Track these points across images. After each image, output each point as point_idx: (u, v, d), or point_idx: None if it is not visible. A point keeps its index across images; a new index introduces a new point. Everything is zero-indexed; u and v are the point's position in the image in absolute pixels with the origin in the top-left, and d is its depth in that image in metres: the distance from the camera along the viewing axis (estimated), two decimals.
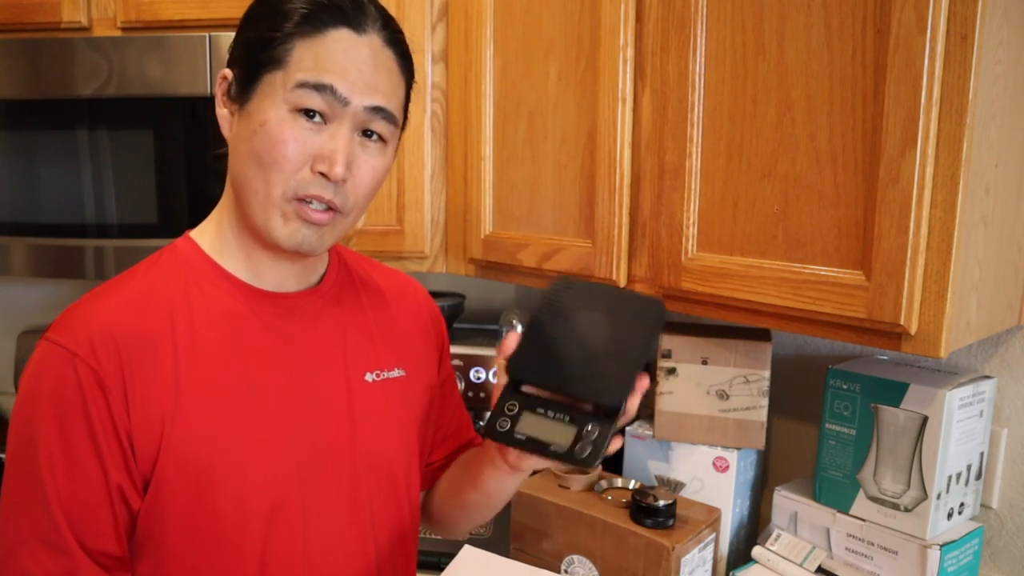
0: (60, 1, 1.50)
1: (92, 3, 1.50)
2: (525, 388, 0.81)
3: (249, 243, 0.85)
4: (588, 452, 0.76)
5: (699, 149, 1.02)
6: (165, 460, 0.78)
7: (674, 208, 1.05)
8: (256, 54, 0.80)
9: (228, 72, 0.84)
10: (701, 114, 1.01)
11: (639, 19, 1.09)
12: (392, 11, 1.36)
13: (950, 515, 1.06)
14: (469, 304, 1.73)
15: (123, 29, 1.49)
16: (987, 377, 1.07)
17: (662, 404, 1.25)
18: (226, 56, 0.86)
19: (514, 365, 0.80)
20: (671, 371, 1.24)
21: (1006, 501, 1.13)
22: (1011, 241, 0.95)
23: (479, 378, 1.47)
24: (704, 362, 1.23)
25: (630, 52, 1.10)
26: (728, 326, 1.26)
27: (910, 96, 0.81)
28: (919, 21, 0.80)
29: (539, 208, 1.25)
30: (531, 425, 0.79)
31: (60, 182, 1.50)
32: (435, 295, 1.61)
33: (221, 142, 0.86)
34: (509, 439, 0.79)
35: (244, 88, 0.81)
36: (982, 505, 1.13)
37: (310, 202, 0.80)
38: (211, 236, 0.87)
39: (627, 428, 1.33)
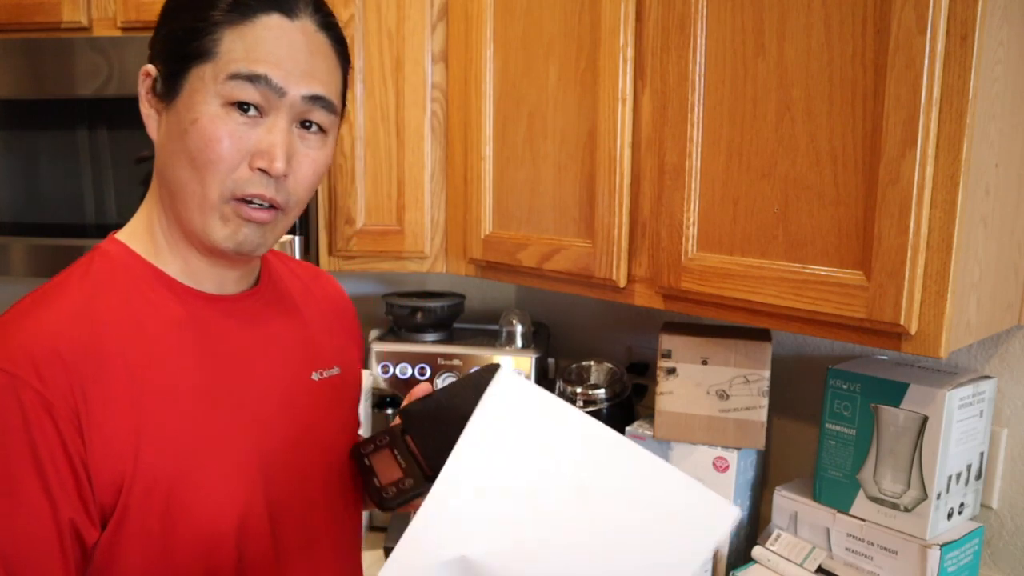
0: (60, 1, 1.50)
1: (92, 3, 1.50)
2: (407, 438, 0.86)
3: (184, 247, 0.81)
4: (392, 496, 0.84)
5: (699, 149, 1.02)
6: (131, 487, 0.72)
7: (674, 208, 1.05)
8: (182, 47, 0.75)
9: (151, 68, 0.78)
10: (701, 114, 1.01)
11: (639, 19, 1.09)
12: (392, 11, 1.37)
13: (950, 515, 1.06)
14: (469, 304, 1.73)
15: (123, 29, 1.49)
16: (987, 377, 1.07)
17: (662, 404, 1.25)
18: None
19: (405, 415, 0.86)
20: (671, 371, 1.24)
21: (1006, 501, 1.13)
22: (1011, 241, 0.95)
23: None
24: (704, 362, 1.23)
25: (630, 52, 1.10)
26: (728, 326, 1.26)
27: (910, 96, 0.81)
28: (919, 21, 0.80)
29: (539, 208, 1.25)
30: (382, 459, 0.87)
31: (60, 182, 1.50)
32: (435, 295, 1.62)
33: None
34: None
35: (171, 85, 0.76)
36: (982, 505, 1.13)
37: (251, 201, 0.76)
38: (144, 241, 0.81)
39: (627, 428, 1.33)
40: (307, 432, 0.86)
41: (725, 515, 0.69)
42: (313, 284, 0.98)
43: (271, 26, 0.75)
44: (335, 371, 0.93)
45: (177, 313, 0.79)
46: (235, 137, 0.74)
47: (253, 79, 0.73)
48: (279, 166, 0.75)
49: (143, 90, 0.79)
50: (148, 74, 0.78)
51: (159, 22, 0.79)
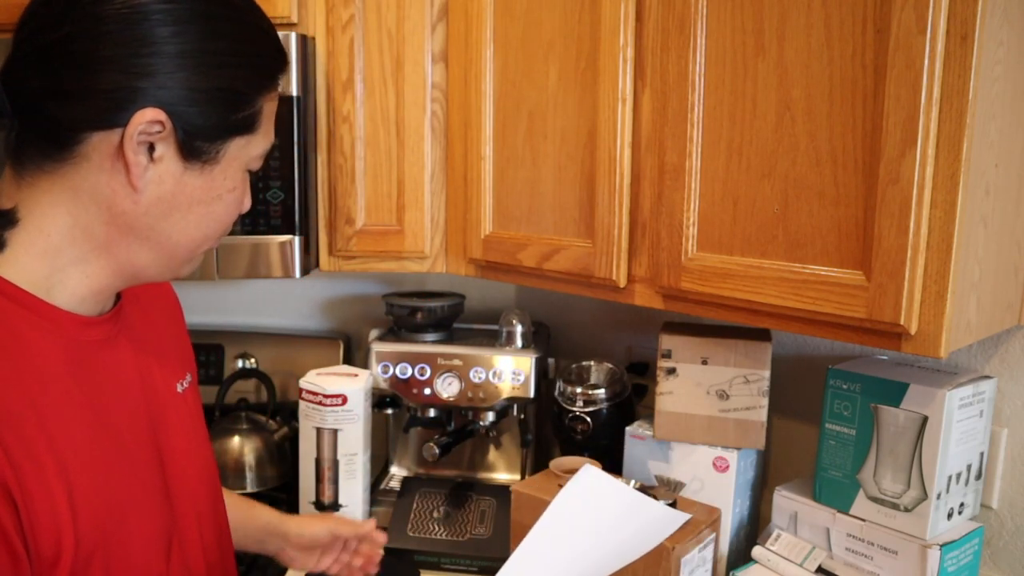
0: None
1: None
2: None
3: (107, 283, 0.75)
4: None
5: (699, 149, 1.02)
6: (76, 553, 0.66)
7: (674, 208, 1.05)
8: (224, 114, 0.72)
9: (163, 117, 0.68)
10: (701, 114, 1.01)
11: (639, 19, 1.09)
12: (392, 11, 1.38)
13: (950, 515, 1.06)
14: (469, 304, 1.73)
15: None
16: (987, 377, 1.07)
17: (662, 404, 1.25)
18: None
19: None
20: (671, 371, 1.24)
21: (1006, 501, 1.13)
22: (1011, 241, 0.95)
23: (479, 378, 1.47)
24: (704, 362, 1.23)
25: (630, 52, 1.10)
26: (728, 326, 1.26)
27: (910, 96, 0.81)
28: (919, 21, 0.80)
29: (539, 208, 1.25)
30: None
31: None
32: (435, 295, 1.62)
33: None
34: None
35: (206, 148, 0.72)
36: (982, 505, 1.13)
37: None
38: (29, 268, 0.71)
39: (627, 428, 1.33)
40: (186, 449, 0.85)
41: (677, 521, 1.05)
42: (149, 289, 0.91)
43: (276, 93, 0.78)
44: (189, 379, 0.90)
45: (59, 346, 0.71)
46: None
47: (270, 151, 0.79)
48: (247, 208, 0.80)
49: (145, 137, 0.69)
50: (161, 123, 0.68)
51: (167, 65, 0.68)
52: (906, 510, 1.04)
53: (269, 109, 0.77)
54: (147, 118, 0.67)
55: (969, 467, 1.07)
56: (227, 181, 0.75)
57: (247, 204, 0.80)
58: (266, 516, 1.10)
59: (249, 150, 0.76)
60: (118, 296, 0.81)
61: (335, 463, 1.39)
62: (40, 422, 0.66)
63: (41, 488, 0.64)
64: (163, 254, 0.75)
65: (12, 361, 0.67)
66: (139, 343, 0.83)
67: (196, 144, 0.71)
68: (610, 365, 1.47)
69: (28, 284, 0.70)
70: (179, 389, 0.87)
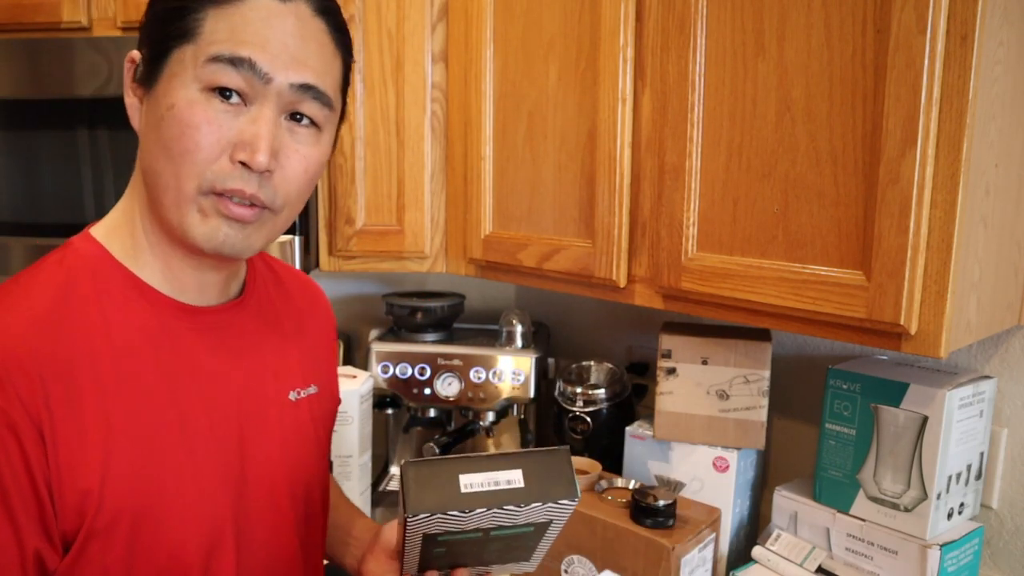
0: (60, 1, 1.49)
1: (92, 3, 1.50)
2: None
3: (167, 249, 0.74)
4: None
5: (699, 149, 1.02)
6: (95, 517, 0.66)
7: (674, 208, 1.05)
8: (164, 28, 0.69)
9: (136, 54, 0.72)
10: (701, 114, 1.01)
11: (639, 19, 1.09)
12: (392, 11, 1.37)
13: (950, 515, 1.06)
14: (469, 304, 1.73)
15: (123, 29, 1.49)
16: (987, 377, 1.07)
17: (662, 404, 1.25)
18: None
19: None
20: (671, 371, 1.24)
21: (1006, 501, 1.13)
22: (1011, 241, 0.95)
23: (479, 378, 1.47)
24: (704, 362, 1.23)
25: (630, 52, 1.10)
26: (728, 326, 1.26)
27: (910, 96, 0.81)
28: (919, 21, 0.80)
29: (539, 208, 1.25)
30: None
31: (60, 182, 1.50)
32: (435, 295, 1.62)
33: None
34: None
35: (151, 69, 0.70)
36: (982, 505, 1.13)
37: (231, 196, 0.69)
38: (122, 239, 0.74)
39: (627, 428, 1.33)
40: (280, 456, 0.82)
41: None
42: (299, 294, 0.92)
43: (259, 7, 0.68)
44: (312, 389, 0.88)
45: (149, 325, 0.72)
46: (214, 125, 0.67)
47: (236, 62, 0.67)
48: (261, 159, 0.68)
49: (127, 78, 0.73)
50: (132, 61, 0.73)
51: (147, 5, 0.72)
52: (906, 510, 1.04)
53: (221, 16, 0.69)
54: (127, 59, 0.73)
55: (969, 467, 1.07)
56: (166, 98, 0.68)
57: (253, 153, 0.68)
58: (360, 524, 0.99)
59: (196, 57, 0.68)
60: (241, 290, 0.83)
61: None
62: (96, 377, 0.67)
63: (76, 440, 0.66)
64: (161, 200, 0.71)
65: (84, 315, 0.69)
66: (254, 344, 0.81)
67: (146, 70, 0.72)
68: (610, 365, 1.47)
69: (121, 255, 0.74)
70: (292, 397, 0.84)
